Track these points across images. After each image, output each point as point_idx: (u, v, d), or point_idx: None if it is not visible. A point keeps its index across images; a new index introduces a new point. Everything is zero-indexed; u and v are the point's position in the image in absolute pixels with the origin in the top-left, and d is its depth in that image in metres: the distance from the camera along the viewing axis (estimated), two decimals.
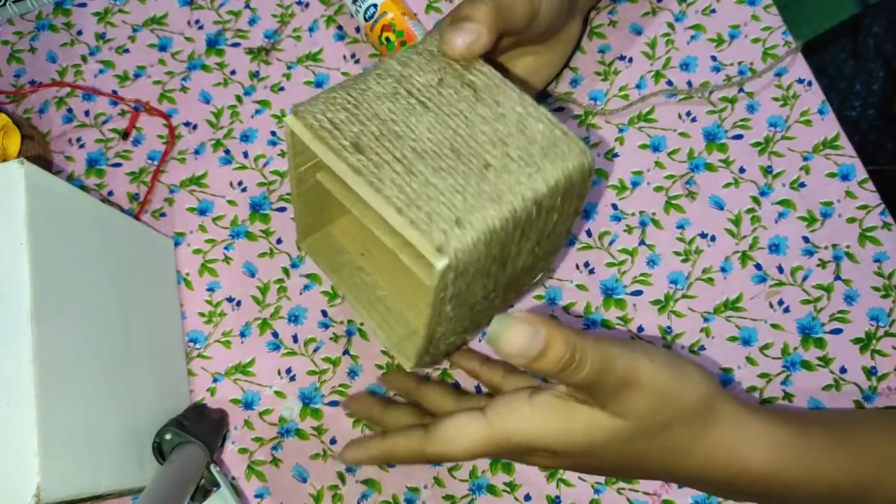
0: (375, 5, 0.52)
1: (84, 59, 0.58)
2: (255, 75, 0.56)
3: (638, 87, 0.53)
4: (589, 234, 0.50)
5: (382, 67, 0.37)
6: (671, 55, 0.53)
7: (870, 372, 0.47)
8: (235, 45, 0.57)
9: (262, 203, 0.53)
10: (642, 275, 0.49)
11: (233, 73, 0.56)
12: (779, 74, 0.52)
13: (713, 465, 0.36)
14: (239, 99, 0.56)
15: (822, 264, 0.48)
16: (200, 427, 0.45)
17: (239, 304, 0.52)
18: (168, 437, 0.43)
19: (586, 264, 0.50)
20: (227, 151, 0.55)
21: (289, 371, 0.50)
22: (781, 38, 0.53)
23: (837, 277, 0.48)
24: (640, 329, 0.49)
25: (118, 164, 0.55)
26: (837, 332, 0.47)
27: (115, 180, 0.55)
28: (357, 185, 0.33)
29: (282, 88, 0.56)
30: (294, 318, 0.51)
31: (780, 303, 0.48)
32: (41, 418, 0.34)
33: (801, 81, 0.52)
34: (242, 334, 0.51)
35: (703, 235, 0.50)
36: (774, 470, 0.36)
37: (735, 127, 0.51)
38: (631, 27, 0.54)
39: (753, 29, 0.53)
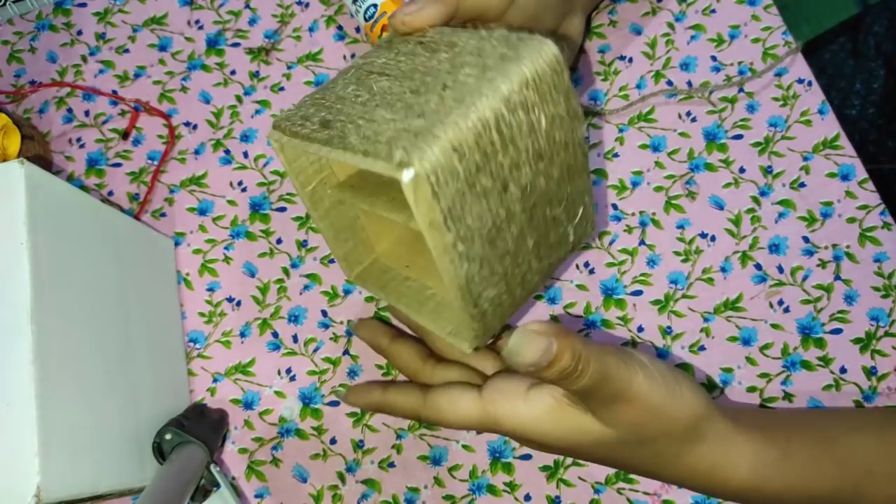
0: (375, 5, 0.52)
1: (84, 59, 0.58)
2: (255, 75, 0.56)
3: (638, 87, 0.53)
4: None
5: (346, 67, 0.39)
6: (671, 55, 0.53)
7: (870, 372, 0.47)
8: (235, 45, 0.57)
9: (262, 203, 0.53)
10: (642, 275, 0.49)
11: (233, 73, 0.56)
12: (779, 74, 0.52)
13: (694, 476, 0.37)
14: (239, 99, 0.56)
15: (822, 264, 0.48)
16: (200, 427, 0.45)
17: (239, 304, 0.52)
18: (168, 437, 0.43)
19: (586, 264, 0.50)
20: (227, 151, 0.55)
21: (289, 371, 0.50)
22: (781, 38, 0.53)
23: (837, 277, 0.48)
24: (640, 329, 0.49)
25: (118, 164, 0.55)
26: (837, 332, 0.47)
27: (115, 180, 0.55)
28: (329, 154, 0.33)
29: (282, 88, 0.56)
30: (294, 318, 0.51)
31: (780, 303, 0.48)
32: (41, 418, 0.34)
33: (801, 81, 0.52)
34: (242, 334, 0.51)
35: (703, 235, 0.50)
36: (754, 486, 0.37)
37: (735, 127, 0.51)
38: (631, 27, 0.54)
39: (753, 29, 0.53)
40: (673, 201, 0.51)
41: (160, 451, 0.43)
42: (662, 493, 0.46)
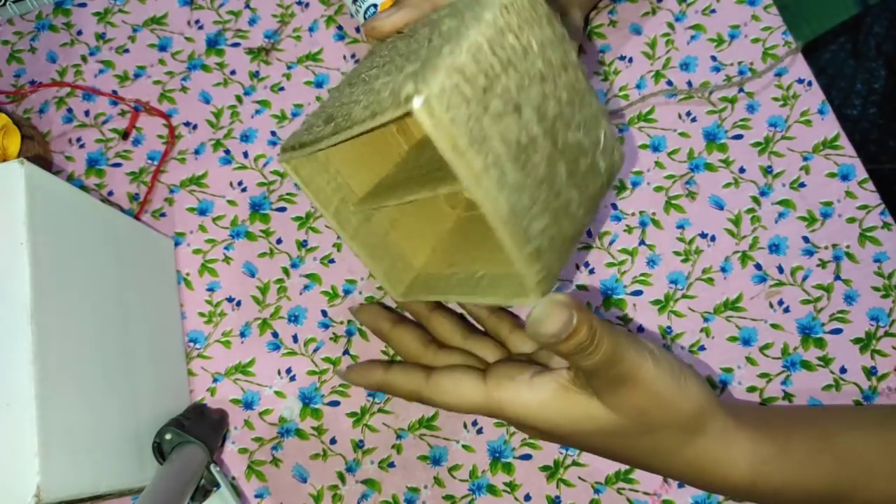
0: (375, 5, 0.52)
1: (84, 59, 0.58)
2: (255, 75, 0.56)
3: (638, 87, 0.53)
4: (589, 234, 0.50)
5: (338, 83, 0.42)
6: (671, 55, 0.53)
7: (870, 372, 0.47)
8: (235, 45, 0.57)
9: (262, 203, 0.53)
10: (642, 275, 0.49)
11: (233, 73, 0.57)
12: (779, 74, 0.52)
13: (692, 471, 0.37)
14: (239, 99, 0.56)
15: (822, 264, 0.48)
16: (200, 427, 0.45)
17: (239, 304, 0.52)
18: (168, 437, 0.43)
19: (586, 264, 0.50)
20: (227, 151, 0.55)
21: (289, 371, 0.50)
22: (781, 38, 0.53)
23: (837, 277, 0.48)
24: (640, 329, 0.49)
25: (118, 164, 0.55)
26: (837, 332, 0.47)
27: (115, 180, 0.55)
28: (340, 138, 0.34)
29: (282, 88, 0.56)
30: (294, 318, 0.51)
31: (780, 303, 0.48)
32: (41, 418, 0.34)
33: (801, 81, 0.52)
34: (242, 334, 0.51)
35: (703, 235, 0.50)
36: (751, 482, 0.37)
37: (735, 127, 0.51)
38: (631, 27, 0.54)
39: (753, 29, 0.53)
40: (673, 201, 0.51)
41: (160, 451, 0.43)
42: (662, 494, 0.46)
